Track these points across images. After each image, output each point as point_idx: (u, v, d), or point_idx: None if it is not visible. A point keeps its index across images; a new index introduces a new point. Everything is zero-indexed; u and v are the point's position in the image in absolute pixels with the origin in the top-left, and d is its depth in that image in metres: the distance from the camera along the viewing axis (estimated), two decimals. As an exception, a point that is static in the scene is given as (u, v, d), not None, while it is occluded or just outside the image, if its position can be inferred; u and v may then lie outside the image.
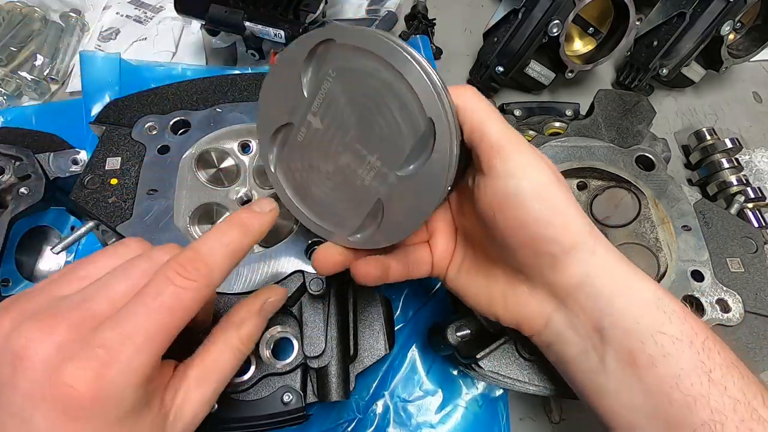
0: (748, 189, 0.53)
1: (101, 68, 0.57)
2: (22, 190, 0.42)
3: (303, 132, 0.29)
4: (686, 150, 0.61)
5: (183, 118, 0.44)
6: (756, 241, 0.41)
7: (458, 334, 0.37)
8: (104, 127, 0.43)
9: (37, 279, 0.47)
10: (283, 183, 0.32)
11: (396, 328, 0.46)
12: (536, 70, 0.59)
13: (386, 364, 0.46)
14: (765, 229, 0.50)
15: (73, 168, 0.46)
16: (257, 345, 0.34)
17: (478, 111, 0.27)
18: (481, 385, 0.46)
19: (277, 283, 0.36)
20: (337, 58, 0.26)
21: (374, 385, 0.45)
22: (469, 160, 0.29)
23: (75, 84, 0.62)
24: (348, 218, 0.30)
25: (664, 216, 0.42)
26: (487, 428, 0.44)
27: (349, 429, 0.43)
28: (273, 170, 0.32)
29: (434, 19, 0.67)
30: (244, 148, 0.44)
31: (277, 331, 0.35)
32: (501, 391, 0.46)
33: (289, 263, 0.37)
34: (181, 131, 0.44)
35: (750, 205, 0.52)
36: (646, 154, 0.45)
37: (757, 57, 0.62)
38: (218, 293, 0.36)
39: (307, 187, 0.31)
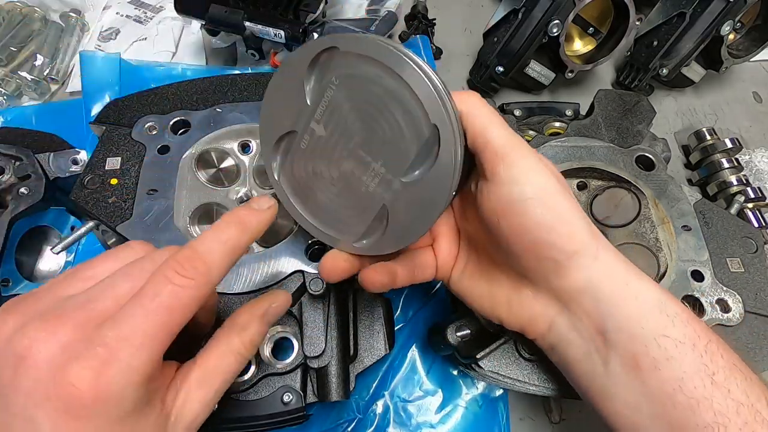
0: (748, 189, 0.53)
1: (101, 68, 0.57)
2: (22, 190, 0.42)
3: (306, 139, 0.29)
4: (686, 150, 0.61)
5: (183, 118, 0.44)
6: (756, 241, 0.41)
7: (458, 334, 0.37)
8: (104, 127, 0.43)
9: (37, 279, 0.47)
10: (286, 190, 0.32)
11: (396, 328, 0.46)
12: (536, 70, 0.59)
13: (386, 364, 0.46)
14: (765, 229, 0.50)
15: (73, 168, 0.46)
16: (257, 345, 0.34)
17: (481, 117, 0.27)
18: (481, 385, 0.46)
19: (277, 283, 0.36)
20: (341, 66, 0.26)
21: (374, 385, 0.45)
22: (472, 165, 0.29)
23: (75, 84, 0.61)
24: (353, 225, 0.30)
25: (664, 216, 0.42)
26: (487, 428, 0.44)
27: (349, 429, 0.43)
28: (276, 178, 0.32)
29: (434, 19, 0.67)
30: (244, 148, 0.44)
31: (277, 331, 0.35)
32: (501, 391, 0.46)
33: (289, 263, 0.37)
34: (181, 131, 0.44)
35: (750, 205, 0.52)
36: (646, 154, 0.45)
37: (757, 57, 0.62)
38: (218, 293, 0.36)
39: (311, 194, 0.31)
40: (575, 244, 0.27)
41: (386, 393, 0.45)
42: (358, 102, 0.27)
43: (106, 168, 0.41)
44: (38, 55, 0.61)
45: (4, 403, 0.21)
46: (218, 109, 0.44)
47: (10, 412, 0.21)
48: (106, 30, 0.66)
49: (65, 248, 0.40)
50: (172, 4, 0.58)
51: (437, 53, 0.66)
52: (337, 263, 0.31)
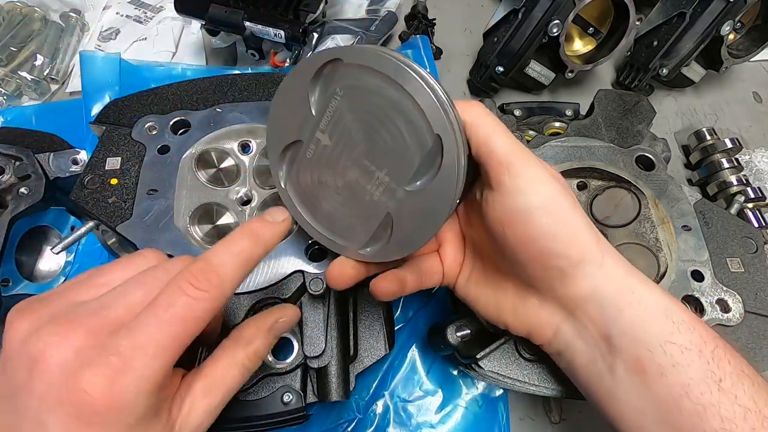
0: (748, 189, 0.53)
1: (101, 68, 0.57)
2: (22, 190, 0.42)
3: (312, 149, 0.30)
4: (686, 150, 0.61)
5: (183, 118, 0.44)
6: (756, 241, 0.41)
7: (458, 334, 0.37)
8: (104, 127, 0.43)
9: (37, 279, 0.47)
10: (293, 198, 0.33)
11: (396, 328, 0.46)
12: (536, 70, 0.59)
13: (386, 364, 0.46)
14: (765, 229, 0.50)
15: (73, 168, 0.46)
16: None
17: (485, 126, 0.27)
18: (481, 385, 0.46)
19: (277, 283, 0.36)
20: (345, 77, 0.27)
21: (374, 385, 0.45)
22: (477, 173, 0.30)
23: (75, 84, 0.62)
24: (358, 232, 0.31)
25: (664, 216, 0.42)
26: (487, 428, 0.44)
27: (349, 429, 0.43)
28: (283, 186, 0.33)
29: (434, 19, 0.67)
30: (244, 148, 0.44)
31: (277, 331, 0.35)
32: (501, 391, 0.45)
33: (289, 263, 0.37)
34: (181, 131, 0.44)
35: (750, 205, 0.52)
36: (646, 154, 0.45)
37: (757, 57, 0.62)
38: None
39: (316, 202, 0.32)
40: (581, 252, 0.27)
41: (386, 393, 0.45)
42: (362, 112, 0.27)
43: (106, 168, 0.41)
44: (38, 55, 0.61)
45: (14, 405, 0.21)
46: (218, 109, 0.44)
47: (20, 414, 0.21)
48: (106, 30, 0.66)
49: (65, 248, 0.40)
50: (172, 4, 0.58)
51: (437, 53, 0.66)
52: (344, 270, 0.32)
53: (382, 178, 0.28)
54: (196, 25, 0.67)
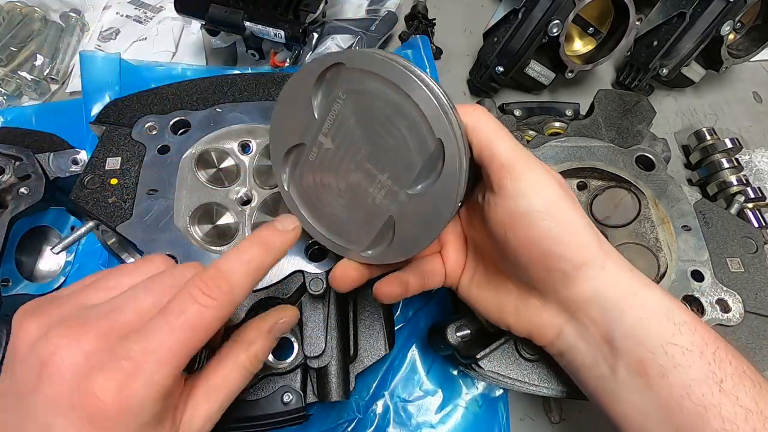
0: (748, 189, 0.53)
1: (101, 68, 0.57)
2: (22, 190, 0.42)
3: (315, 152, 0.30)
4: (686, 150, 0.61)
5: (183, 118, 0.44)
6: (756, 241, 0.41)
7: (458, 334, 0.37)
8: (104, 127, 0.43)
9: (37, 279, 0.47)
10: (296, 201, 0.33)
11: (396, 328, 0.46)
12: (536, 70, 0.59)
13: (386, 364, 0.46)
14: (765, 229, 0.50)
15: (73, 168, 0.46)
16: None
17: (487, 130, 0.27)
18: (481, 385, 0.46)
19: (277, 283, 0.36)
20: (347, 82, 0.27)
21: (374, 385, 0.45)
22: (479, 176, 0.30)
23: (75, 84, 0.62)
24: (361, 235, 0.31)
25: (664, 216, 0.42)
26: (487, 428, 0.44)
27: (349, 429, 0.43)
28: (286, 189, 0.33)
29: (434, 19, 0.67)
30: (244, 148, 0.44)
31: (277, 331, 0.35)
32: (501, 391, 0.46)
33: (289, 263, 0.37)
34: (181, 131, 0.44)
35: (750, 205, 0.52)
36: (646, 154, 0.45)
37: (757, 57, 0.62)
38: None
39: (319, 205, 0.32)
40: (583, 255, 0.27)
41: (386, 393, 0.45)
42: (365, 116, 0.27)
43: (106, 168, 0.41)
44: (38, 55, 0.61)
45: (22, 407, 0.21)
46: (218, 109, 0.44)
47: (28, 417, 0.21)
48: (106, 30, 0.66)
49: (65, 248, 0.40)
50: (172, 4, 0.58)
51: (437, 53, 0.66)
52: (347, 273, 0.32)
53: (385, 181, 0.28)
54: (196, 25, 0.67)
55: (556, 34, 0.53)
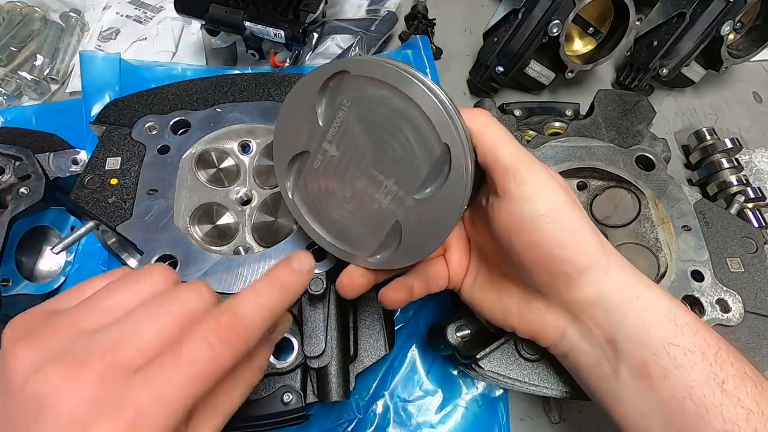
0: (748, 189, 0.53)
1: (101, 68, 0.57)
2: (22, 190, 0.42)
3: (319, 159, 0.30)
4: (686, 150, 0.61)
5: (183, 118, 0.44)
6: (756, 241, 0.41)
7: (458, 334, 0.37)
8: (104, 127, 0.43)
9: (37, 279, 0.47)
10: (301, 209, 0.33)
11: (396, 328, 0.46)
12: (536, 70, 0.59)
13: (386, 364, 0.46)
14: (765, 229, 0.50)
15: (73, 168, 0.46)
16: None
17: (491, 134, 0.28)
18: (481, 385, 0.46)
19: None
20: (351, 89, 0.27)
21: (374, 385, 0.45)
22: (483, 179, 0.30)
23: (75, 84, 0.62)
24: (367, 241, 0.31)
25: (664, 216, 0.42)
26: (487, 428, 0.44)
27: (349, 429, 0.43)
28: (291, 196, 0.33)
29: (434, 19, 0.67)
30: (244, 148, 0.44)
31: (277, 331, 0.35)
32: (501, 391, 0.45)
33: (289, 263, 0.37)
34: (181, 131, 0.44)
35: (750, 205, 0.52)
36: (646, 154, 0.45)
37: (757, 57, 0.62)
38: (218, 293, 0.36)
39: (325, 211, 0.32)
40: (586, 259, 0.28)
41: (386, 393, 0.45)
42: (370, 123, 0.27)
43: (106, 168, 0.41)
44: (38, 55, 0.61)
45: None
46: (218, 109, 0.44)
47: None
48: (106, 30, 0.66)
49: (65, 248, 0.40)
50: (172, 4, 0.58)
51: (437, 53, 0.66)
52: (354, 279, 0.32)
53: (391, 186, 0.28)
54: (196, 25, 0.67)
55: (556, 34, 0.53)
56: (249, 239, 0.41)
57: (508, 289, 0.32)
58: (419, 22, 0.66)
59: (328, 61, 0.60)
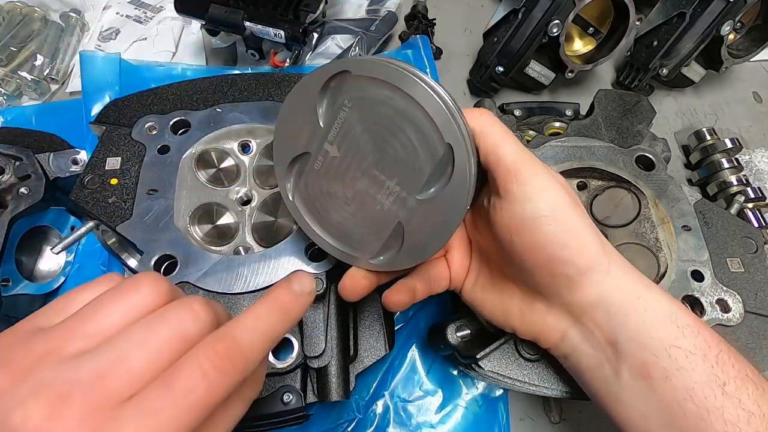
0: (748, 189, 0.53)
1: (101, 68, 0.57)
2: (22, 190, 0.42)
3: (320, 160, 0.30)
4: (686, 150, 0.61)
5: (183, 118, 0.44)
6: (756, 241, 0.41)
7: (458, 334, 0.37)
8: (104, 127, 0.43)
9: (37, 279, 0.47)
10: (301, 210, 0.33)
11: (396, 328, 0.46)
12: (536, 70, 0.59)
13: (386, 364, 0.46)
14: (765, 229, 0.50)
15: (73, 168, 0.46)
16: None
17: (493, 134, 0.27)
18: (481, 385, 0.46)
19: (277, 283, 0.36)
20: (352, 89, 0.27)
21: (374, 385, 0.45)
22: (484, 180, 0.30)
23: (75, 84, 0.62)
24: (369, 242, 0.31)
25: (664, 216, 0.42)
26: (487, 428, 0.44)
27: (349, 429, 0.43)
28: (291, 198, 0.33)
29: (434, 19, 0.67)
30: (244, 148, 0.44)
31: (277, 331, 0.35)
32: (501, 391, 0.45)
33: (289, 263, 0.37)
34: (181, 131, 0.44)
35: (750, 205, 0.52)
36: (646, 154, 0.45)
37: (757, 57, 0.62)
38: (218, 293, 0.36)
39: (326, 213, 0.32)
40: (588, 260, 0.27)
41: (386, 393, 0.45)
42: (371, 123, 0.27)
43: (106, 168, 0.41)
44: (38, 55, 0.61)
45: None
46: (218, 109, 0.44)
47: None
48: (106, 30, 0.66)
49: (65, 248, 0.40)
50: (172, 4, 0.58)
51: (437, 53, 0.66)
52: (356, 281, 0.32)
53: (393, 187, 0.28)
54: (196, 25, 0.67)
55: (556, 34, 0.53)
56: (249, 239, 0.41)
57: (509, 291, 0.32)
58: (419, 22, 0.66)
59: (329, 61, 0.60)
